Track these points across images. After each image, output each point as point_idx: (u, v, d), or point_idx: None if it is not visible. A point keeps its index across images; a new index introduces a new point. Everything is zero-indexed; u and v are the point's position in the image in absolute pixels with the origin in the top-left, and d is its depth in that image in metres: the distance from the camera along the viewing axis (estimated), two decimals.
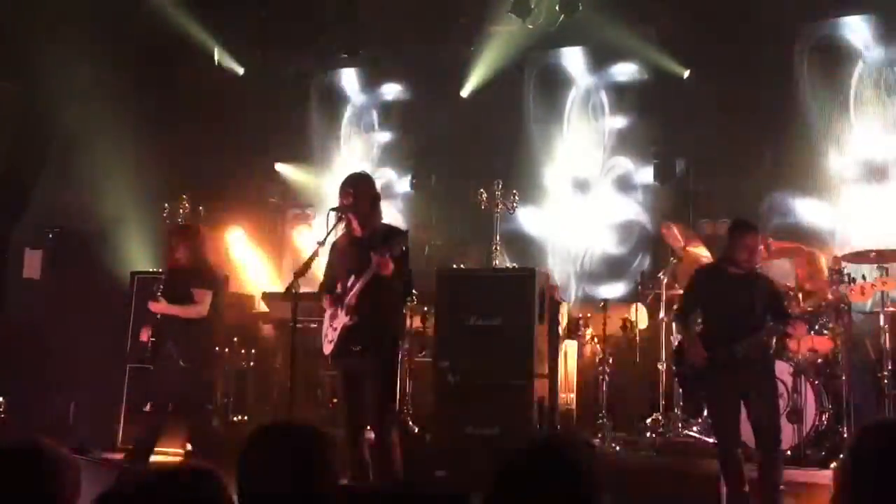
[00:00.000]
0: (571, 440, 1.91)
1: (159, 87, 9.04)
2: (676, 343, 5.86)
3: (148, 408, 5.93)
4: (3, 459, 1.98)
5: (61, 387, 7.41)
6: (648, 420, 6.74)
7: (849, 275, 6.07)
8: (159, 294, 5.95)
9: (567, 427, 6.79)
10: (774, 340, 5.43)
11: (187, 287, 5.95)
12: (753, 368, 4.97)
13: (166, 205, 8.01)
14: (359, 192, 5.04)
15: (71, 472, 2.03)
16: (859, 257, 6.39)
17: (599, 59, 9.23)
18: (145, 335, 6.06)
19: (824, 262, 6.81)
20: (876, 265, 6.06)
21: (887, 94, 7.98)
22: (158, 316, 5.97)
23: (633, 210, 9.01)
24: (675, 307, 6.66)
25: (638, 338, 7.34)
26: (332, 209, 5.11)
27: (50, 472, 1.98)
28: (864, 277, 5.30)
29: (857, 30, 8.14)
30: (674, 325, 6.46)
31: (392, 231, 5.09)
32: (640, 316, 7.36)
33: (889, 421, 2.58)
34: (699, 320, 5.35)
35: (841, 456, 1.98)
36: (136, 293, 7.28)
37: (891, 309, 6.16)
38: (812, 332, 6.22)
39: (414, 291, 5.72)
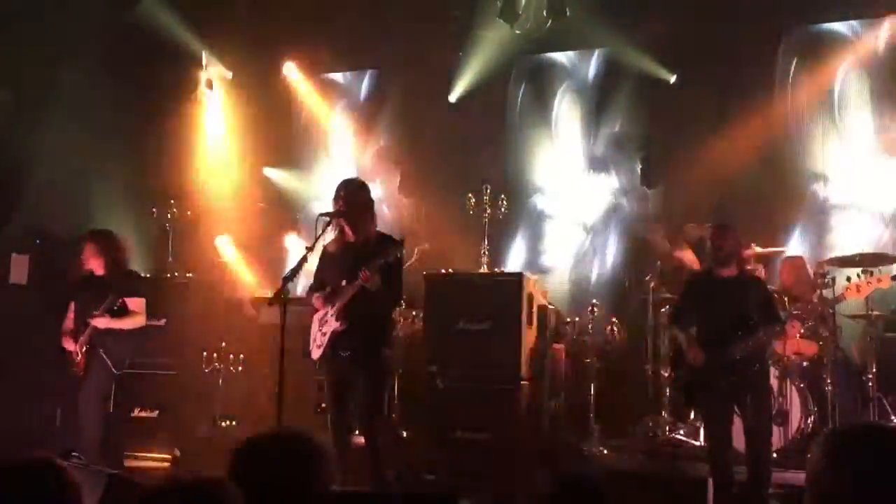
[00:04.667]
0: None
1: (147, 91, 9.01)
2: (670, 350, 5.88)
3: (84, 412, 5.83)
4: (16, 476, 1.98)
5: (47, 393, 7.36)
6: (637, 423, 6.77)
7: (833, 278, 6.12)
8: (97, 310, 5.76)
9: (555, 431, 6.82)
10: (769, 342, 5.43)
11: (111, 295, 5.78)
12: (749, 373, 5.00)
13: (154, 209, 7.99)
14: (351, 197, 5.05)
15: (73, 490, 2.03)
16: (844, 262, 6.44)
17: (587, 63, 9.27)
18: (71, 345, 5.88)
19: (809, 266, 6.86)
20: (860, 269, 6.12)
21: (872, 98, 8.05)
22: (87, 330, 5.81)
23: (619, 213, 9.05)
24: (663, 311, 6.70)
25: (625, 341, 7.37)
26: (321, 214, 5.12)
27: (53, 491, 1.98)
28: (858, 276, 5.34)
29: (842, 34, 8.22)
30: (669, 332, 6.49)
31: (386, 240, 5.08)
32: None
33: (856, 423, 2.61)
34: (694, 328, 5.35)
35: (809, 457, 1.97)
36: None
37: (876, 312, 6.23)
38: (798, 336, 6.28)
39: (404, 297, 5.73)
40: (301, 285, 6.14)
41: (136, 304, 5.95)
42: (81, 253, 6.02)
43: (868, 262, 6.23)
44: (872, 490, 1.73)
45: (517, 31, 8.53)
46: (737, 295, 5.07)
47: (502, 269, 7.88)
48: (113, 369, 5.83)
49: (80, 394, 5.86)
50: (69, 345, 5.94)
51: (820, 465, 1.82)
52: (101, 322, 5.79)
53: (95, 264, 5.96)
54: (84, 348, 5.84)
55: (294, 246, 9.46)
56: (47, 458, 2.04)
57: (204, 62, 9.72)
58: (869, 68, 8.00)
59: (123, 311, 5.89)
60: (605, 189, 9.10)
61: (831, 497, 1.77)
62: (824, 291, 6.10)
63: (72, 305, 6.07)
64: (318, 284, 5.20)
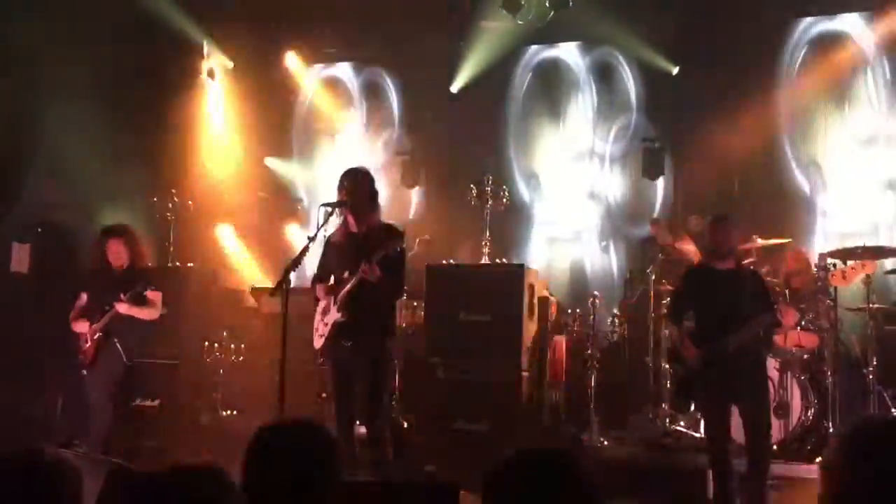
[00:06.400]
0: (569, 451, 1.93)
1: (149, 81, 8.99)
2: (670, 343, 5.89)
3: (95, 401, 5.87)
4: (4, 468, 1.98)
5: (48, 382, 7.38)
6: (637, 415, 6.79)
7: (835, 265, 6.10)
8: (123, 295, 5.85)
9: (555, 422, 6.83)
10: (764, 334, 5.44)
11: (134, 287, 5.88)
12: (745, 367, 5.00)
13: (155, 198, 7.98)
14: (355, 187, 5.03)
15: (72, 480, 2.02)
16: (846, 254, 6.43)
17: (590, 55, 9.25)
18: (84, 327, 5.95)
19: (811, 258, 6.85)
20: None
21: (878, 91, 8.03)
22: (106, 315, 5.89)
23: (622, 204, 9.04)
24: (664, 302, 6.71)
25: (626, 333, 7.37)
26: (324, 204, 5.11)
27: (51, 482, 1.97)
28: (843, 263, 5.32)
29: (849, 27, 8.19)
30: (665, 325, 6.50)
31: (389, 230, 5.07)
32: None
33: (877, 419, 2.58)
34: (691, 320, 5.36)
35: (825, 453, 1.93)
36: None
37: (876, 305, 6.22)
38: (799, 328, 6.27)
39: (405, 288, 5.73)
40: (302, 275, 6.14)
41: (155, 296, 6.04)
42: (101, 246, 6.05)
43: (870, 254, 6.22)
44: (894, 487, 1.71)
45: (520, 23, 8.51)
46: (733, 288, 5.07)
47: (504, 260, 7.88)
48: (124, 358, 5.88)
49: (90, 382, 5.90)
50: (82, 326, 5.96)
51: (838, 462, 1.79)
52: (124, 308, 5.85)
53: (123, 258, 6.01)
54: (97, 335, 5.89)
55: (296, 236, 9.46)
56: (42, 449, 2.04)
57: (205, 51, 9.70)
58: (875, 62, 7.99)
59: (143, 301, 5.95)
60: (607, 180, 9.09)
61: (851, 495, 1.74)
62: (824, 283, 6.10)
63: (82, 295, 6.09)
64: (322, 274, 5.20)
